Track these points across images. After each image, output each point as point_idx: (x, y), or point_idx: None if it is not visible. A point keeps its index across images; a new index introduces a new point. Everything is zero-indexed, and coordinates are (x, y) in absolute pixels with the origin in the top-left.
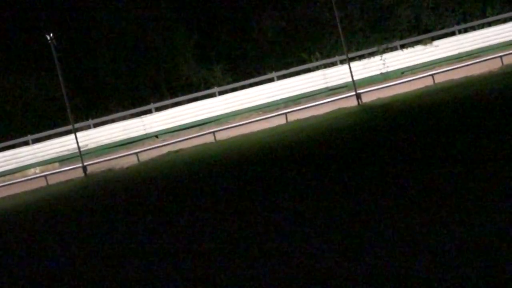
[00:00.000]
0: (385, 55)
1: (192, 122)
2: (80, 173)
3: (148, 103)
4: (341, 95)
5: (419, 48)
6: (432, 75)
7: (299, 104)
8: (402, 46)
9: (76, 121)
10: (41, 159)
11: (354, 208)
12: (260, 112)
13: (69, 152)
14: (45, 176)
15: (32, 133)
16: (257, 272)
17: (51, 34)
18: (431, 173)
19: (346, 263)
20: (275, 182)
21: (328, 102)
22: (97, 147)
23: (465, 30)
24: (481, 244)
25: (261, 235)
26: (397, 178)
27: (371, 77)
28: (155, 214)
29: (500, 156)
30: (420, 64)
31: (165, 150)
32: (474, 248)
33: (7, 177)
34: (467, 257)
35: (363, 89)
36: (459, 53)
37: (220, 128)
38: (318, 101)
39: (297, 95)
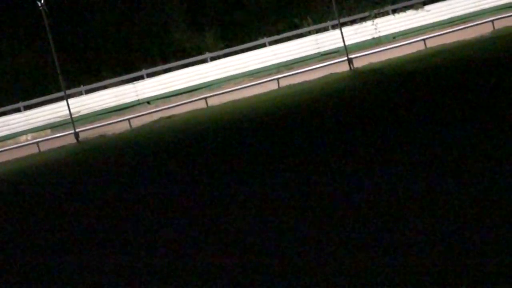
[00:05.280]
0: (377, 20)
1: (184, 88)
2: (72, 140)
3: (140, 69)
4: (333, 60)
5: (410, 12)
6: (424, 39)
7: (291, 69)
8: (394, 11)
9: (68, 88)
10: (33, 126)
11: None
12: (252, 78)
13: (61, 119)
14: (37, 142)
15: (23, 100)
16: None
17: (42, 1)
18: (420, 136)
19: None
20: (267, 147)
21: (320, 67)
22: (89, 113)
23: None
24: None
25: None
26: (386, 139)
27: (363, 42)
28: (148, 180)
29: (487, 114)
30: (412, 28)
31: (157, 116)
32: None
33: None
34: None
35: (355, 54)
36: (451, 18)
37: (212, 94)
38: (310, 66)
39: (289, 61)
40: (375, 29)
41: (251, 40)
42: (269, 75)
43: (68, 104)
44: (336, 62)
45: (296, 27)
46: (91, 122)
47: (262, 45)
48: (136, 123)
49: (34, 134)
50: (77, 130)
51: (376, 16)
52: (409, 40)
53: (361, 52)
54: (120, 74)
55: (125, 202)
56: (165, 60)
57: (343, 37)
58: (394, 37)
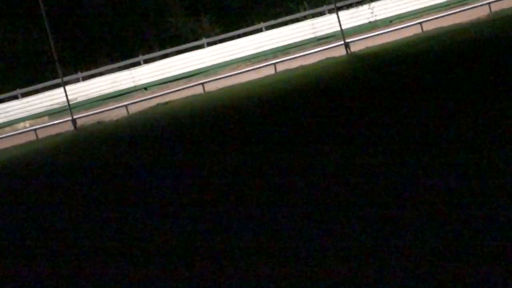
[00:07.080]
0: (373, 4)
1: (181, 74)
2: (69, 126)
3: (136, 55)
4: (329, 44)
5: None
6: (420, 23)
7: (287, 54)
8: None
9: (65, 75)
10: (30, 113)
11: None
12: (249, 63)
13: (59, 106)
14: (34, 129)
15: (21, 87)
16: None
17: None
18: (422, 119)
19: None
20: (265, 132)
21: (317, 51)
22: (87, 100)
23: None
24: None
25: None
26: (383, 124)
27: (360, 26)
28: (147, 167)
29: (487, 96)
30: (408, 12)
31: (154, 102)
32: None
33: None
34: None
35: (351, 38)
36: (448, 1)
37: (209, 79)
38: (306, 51)
39: (285, 45)
40: (372, 13)
41: (247, 25)
42: (266, 60)
43: (65, 91)
44: (332, 47)
45: (293, 11)
46: (89, 108)
47: (259, 30)
48: (133, 109)
49: (32, 121)
50: (74, 116)
51: (372, 0)
52: (406, 23)
53: (358, 36)
54: (116, 61)
55: (125, 189)
56: (162, 46)
57: (339, 22)
58: (390, 21)
